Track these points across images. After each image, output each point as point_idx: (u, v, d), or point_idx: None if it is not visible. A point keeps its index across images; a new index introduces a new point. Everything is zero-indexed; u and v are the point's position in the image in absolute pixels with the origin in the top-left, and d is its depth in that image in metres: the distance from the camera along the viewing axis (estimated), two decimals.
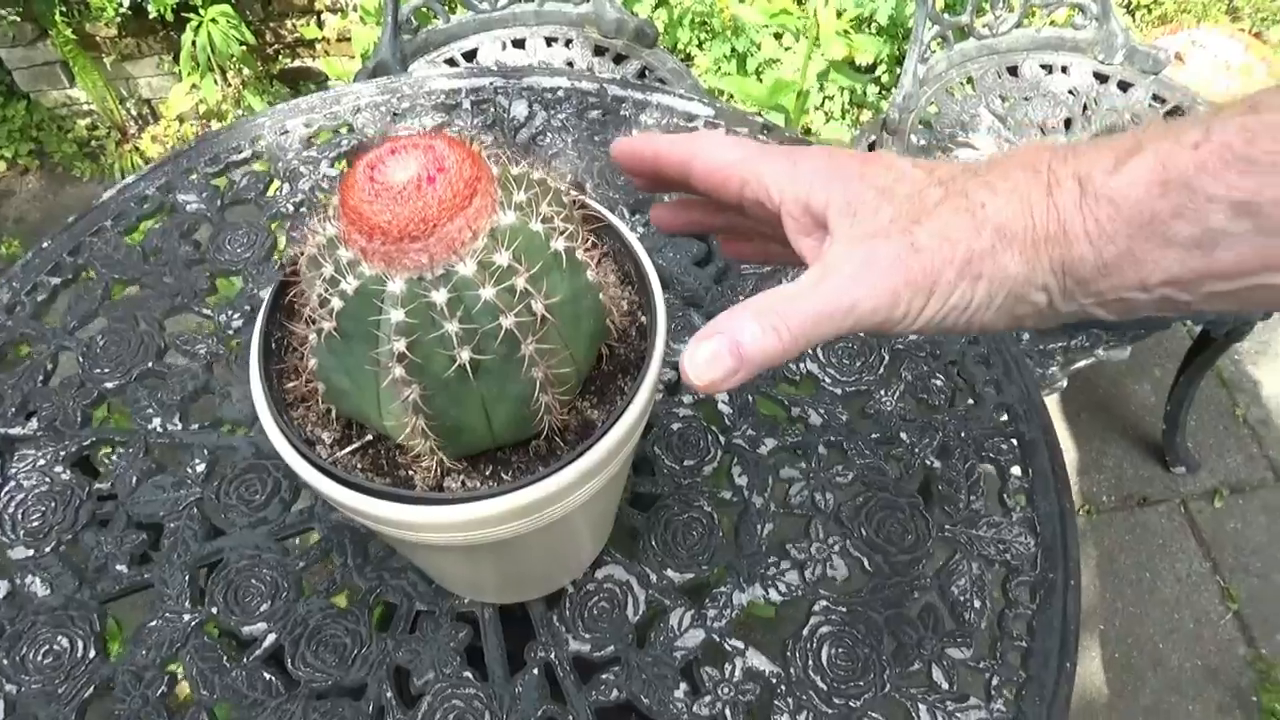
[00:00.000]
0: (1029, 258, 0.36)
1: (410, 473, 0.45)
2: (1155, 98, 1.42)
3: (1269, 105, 0.31)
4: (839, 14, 1.23)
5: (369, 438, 0.46)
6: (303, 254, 0.43)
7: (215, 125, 2.42)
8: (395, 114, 0.90)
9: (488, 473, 0.45)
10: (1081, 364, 1.21)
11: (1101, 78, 1.46)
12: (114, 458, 0.68)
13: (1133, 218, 0.34)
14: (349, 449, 0.45)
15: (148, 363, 0.72)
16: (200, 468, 0.67)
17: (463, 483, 0.45)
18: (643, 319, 0.48)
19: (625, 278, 0.49)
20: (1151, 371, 1.74)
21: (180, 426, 0.69)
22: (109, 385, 0.71)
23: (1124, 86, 1.44)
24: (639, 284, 0.48)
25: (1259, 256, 0.32)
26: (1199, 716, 1.38)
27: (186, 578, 0.62)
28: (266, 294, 0.47)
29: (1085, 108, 1.42)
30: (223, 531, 0.64)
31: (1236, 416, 1.70)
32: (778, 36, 1.84)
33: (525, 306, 0.39)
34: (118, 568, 0.62)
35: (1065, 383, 1.24)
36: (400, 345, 0.38)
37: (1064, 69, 1.47)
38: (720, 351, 0.36)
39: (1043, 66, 1.47)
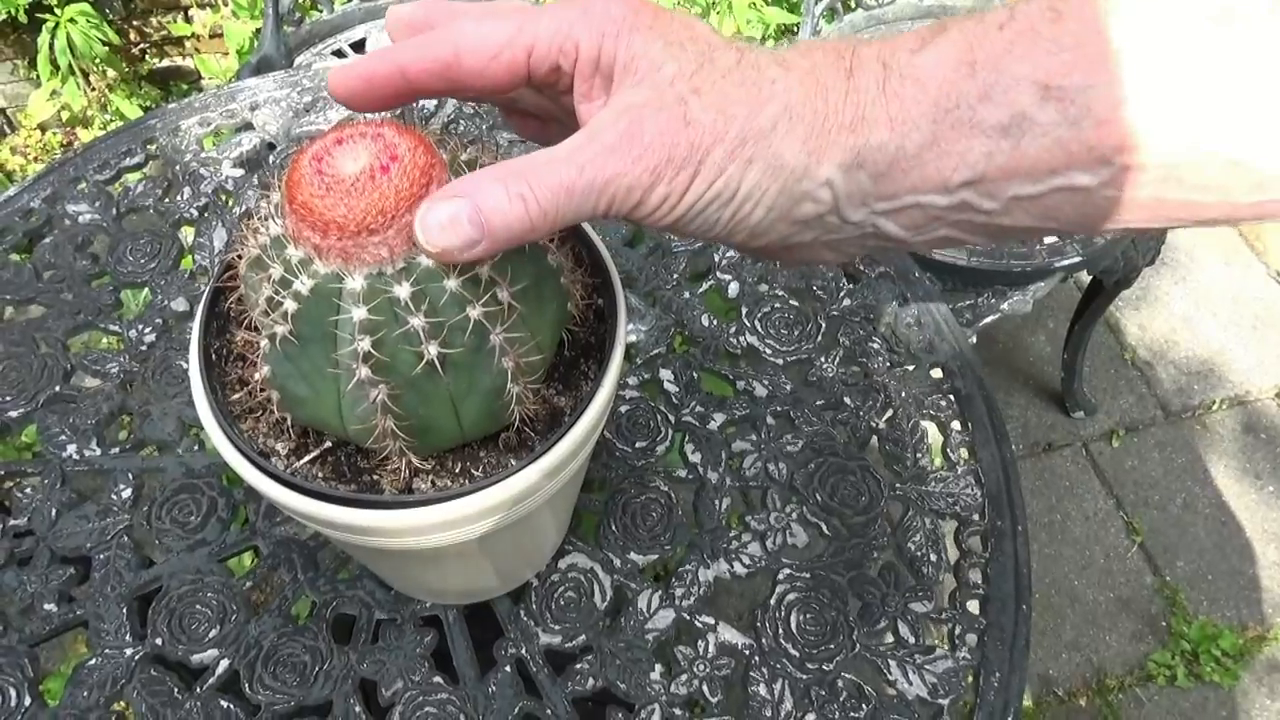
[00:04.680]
0: (813, 147, 0.32)
1: (376, 477, 0.43)
2: None
3: None
4: None
5: (328, 444, 0.44)
6: (241, 257, 0.40)
7: (82, 132, 2.28)
8: (296, 110, 0.86)
9: (457, 470, 0.44)
10: (989, 319, 1.26)
11: None
12: (28, 491, 0.63)
13: (939, 99, 0.31)
14: (307, 458, 0.43)
15: (54, 386, 0.68)
16: (126, 493, 0.63)
17: (432, 482, 0.43)
18: (599, 301, 0.47)
19: (577, 260, 0.48)
20: (1045, 323, 1.83)
21: (99, 451, 0.65)
22: (13, 414, 0.66)
23: None
24: (592, 266, 0.48)
25: (1064, 149, 0.30)
26: (1116, 646, 1.47)
27: (124, 610, 0.58)
28: (201, 303, 0.44)
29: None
30: (159, 558, 0.61)
31: (1125, 360, 1.80)
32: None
33: (491, 295, 0.38)
34: (46, 607, 0.58)
35: (975, 339, 1.28)
36: (365, 344, 0.36)
37: None
38: (459, 216, 0.32)
39: None
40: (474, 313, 0.37)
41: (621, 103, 0.34)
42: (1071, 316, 1.56)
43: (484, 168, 0.34)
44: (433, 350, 0.37)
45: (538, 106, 0.42)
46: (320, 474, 0.43)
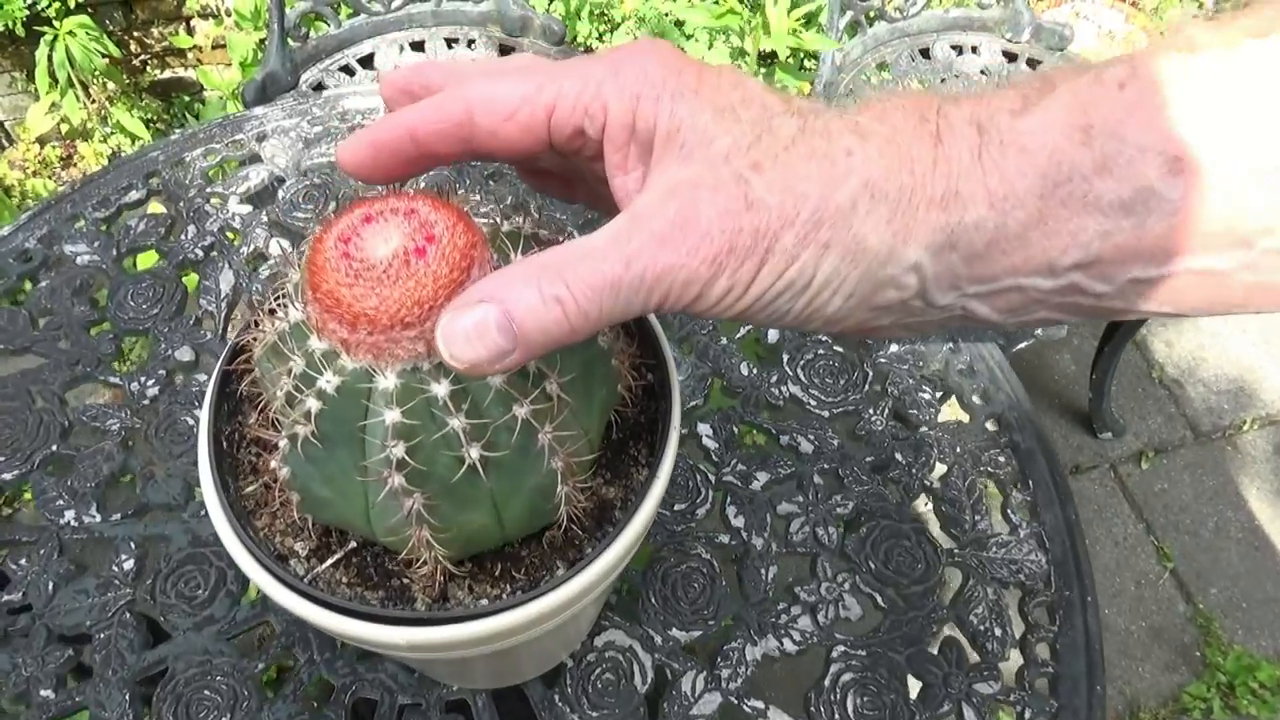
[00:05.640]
0: (899, 227, 0.28)
1: (406, 580, 0.39)
2: None
3: (1205, 43, 0.26)
4: (790, 8, 1.19)
5: (352, 545, 0.39)
6: (255, 340, 0.36)
7: (81, 145, 2.23)
8: (306, 140, 0.82)
9: (497, 572, 0.39)
10: (1022, 345, 1.21)
11: (1011, 56, 1.46)
12: (23, 562, 0.58)
13: (1048, 170, 0.27)
14: (330, 561, 0.39)
15: (51, 445, 0.63)
16: (128, 564, 0.58)
17: (469, 587, 0.39)
18: (649, 377, 0.43)
19: (627, 334, 0.44)
20: (1070, 341, 1.78)
21: (99, 518, 0.60)
22: (6, 476, 0.62)
23: (1033, 64, 1.45)
24: (640, 336, 0.43)
25: (1194, 229, 0.26)
26: (1149, 677, 1.42)
27: (127, 696, 0.54)
28: (209, 387, 0.40)
29: (998, 87, 1.42)
30: (164, 636, 0.56)
31: (1153, 378, 1.75)
32: (714, 39, 1.80)
33: (540, 390, 0.33)
34: (42, 693, 0.54)
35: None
36: (398, 451, 0.32)
37: (974, 49, 1.47)
38: (486, 324, 0.28)
39: (953, 47, 1.47)
40: (521, 411, 0.33)
41: (668, 181, 0.29)
42: (1100, 336, 1.51)
43: (512, 264, 0.30)
44: (475, 453, 0.32)
45: (560, 167, 0.38)
46: (344, 579, 0.39)
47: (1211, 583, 1.51)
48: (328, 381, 0.32)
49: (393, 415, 0.31)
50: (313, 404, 0.32)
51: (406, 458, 0.32)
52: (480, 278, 0.31)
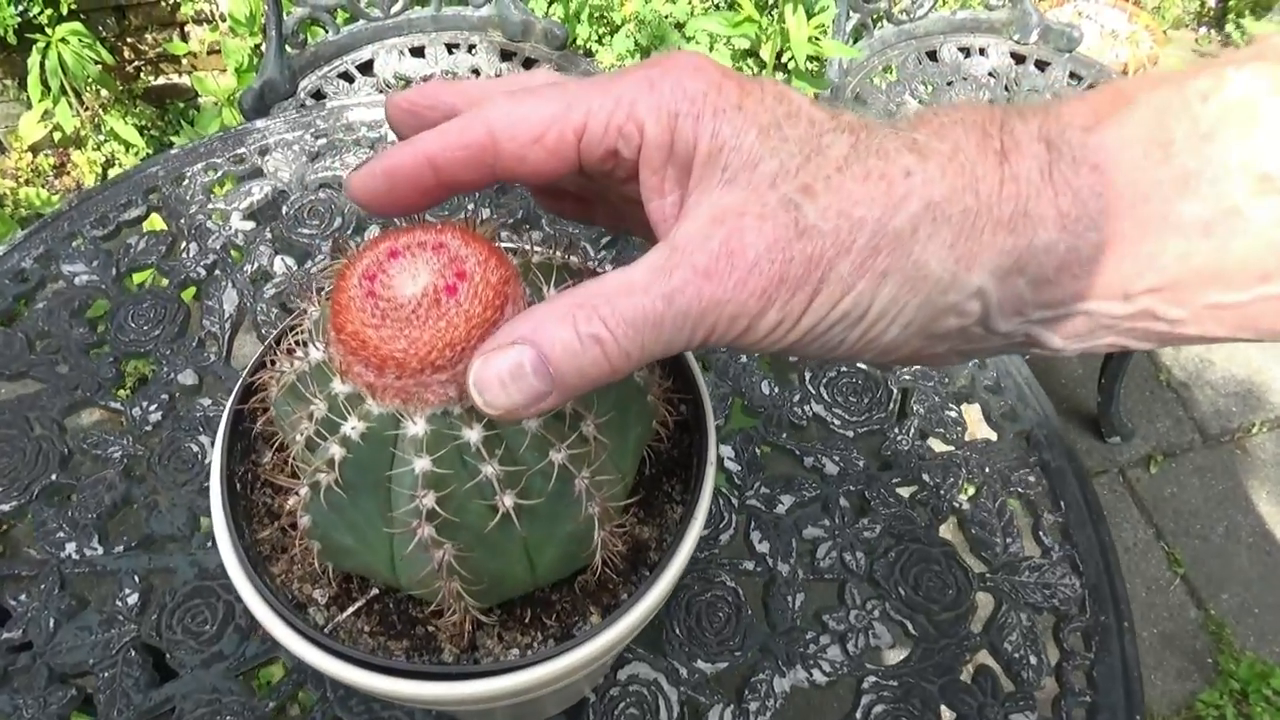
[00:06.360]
0: (963, 252, 0.27)
1: (431, 629, 0.37)
2: (1071, 75, 1.42)
3: None
4: (810, 16, 1.17)
5: (374, 593, 0.37)
6: (272, 380, 0.34)
7: (75, 154, 2.21)
8: (310, 154, 0.80)
9: (526, 619, 0.37)
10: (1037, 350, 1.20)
11: (1019, 58, 1.45)
12: (22, 598, 0.56)
13: (1124, 190, 0.25)
14: (351, 610, 0.37)
15: (50, 475, 0.61)
16: (132, 599, 0.56)
17: (499, 635, 0.37)
18: (682, 410, 0.41)
19: (662, 368, 0.42)
20: None
21: (101, 550, 0.58)
22: (4, 508, 0.60)
23: (1041, 65, 1.44)
24: (672, 367, 0.41)
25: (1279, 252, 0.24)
26: (1161, 685, 1.41)
27: None
28: (221, 426, 0.38)
29: (1007, 89, 1.41)
30: (171, 674, 0.54)
31: (1161, 382, 1.74)
32: (714, 42, 1.78)
33: (578, 435, 0.31)
34: None
35: None
36: (428, 501, 0.30)
37: (981, 51, 1.45)
38: (521, 368, 0.26)
39: (960, 49, 1.45)
40: (558, 456, 0.31)
41: (711, 208, 0.27)
42: None
43: (544, 301, 0.28)
44: (509, 501, 0.31)
45: (582, 188, 0.36)
46: (367, 628, 0.37)
47: (1223, 588, 1.49)
48: (353, 428, 0.30)
49: (423, 464, 0.30)
50: (336, 451, 0.30)
51: (437, 508, 0.30)
52: (514, 315, 0.30)
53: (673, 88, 0.28)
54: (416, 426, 0.30)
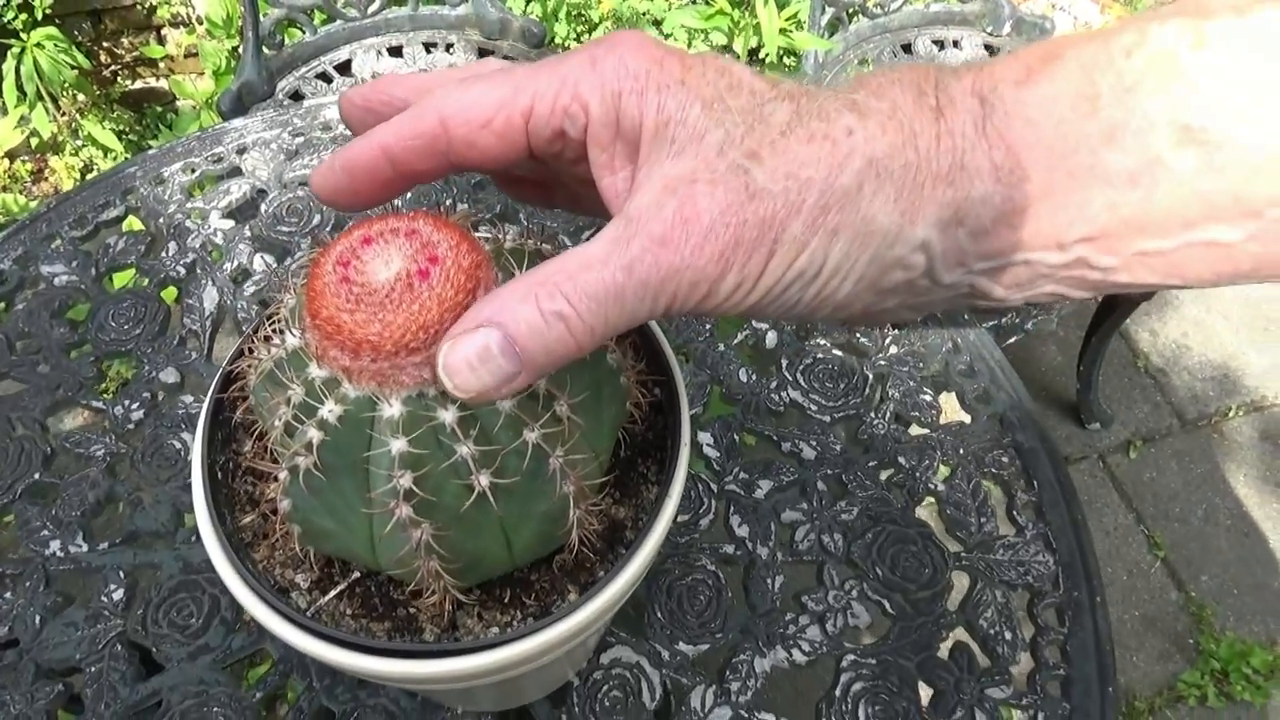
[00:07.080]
0: (906, 205, 0.27)
1: (412, 610, 0.38)
2: None
3: (1216, 7, 0.25)
4: (780, 8, 1.18)
5: (356, 575, 0.38)
6: (250, 368, 0.35)
7: (53, 159, 2.20)
8: (288, 152, 0.80)
9: (506, 599, 0.38)
10: (1013, 340, 1.21)
11: (992, 50, 1.46)
12: (8, 595, 0.57)
13: (1054, 142, 0.26)
14: (333, 593, 0.38)
15: (33, 474, 0.61)
16: (118, 594, 0.57)
17: (479, 615, 0.38)
18: (656, 393, 0.42)
19: (634, 350, 0.43)
20: (1056, 332, 1.79)
21: (86, 547, 0.59)
22: None
23: None
24: (646, 350, 0.42)
25: (1204, 200, 0.25)
26: (1143, 666, 1.42)
27: None
28: (201, 417, 0.39)
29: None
30: (158, 668, 0.55)
31: (1138, 368, 1.76)
32: (692, 38, 1.79)
33: (551, 414, 0.32)
34: None
35: None
36: (405, 481, 0.31)
37: (955, 43, 1.47)
38: (488, 350, 0.27)
39: (935, 42, 1.46)
40: (532, 435, 0.32)
41: (662, 178, 0.28)
42: (1086, 326, 1.51)
43: (507, 283, 0.28)
44: (484, 481, 0.31)
45: (536, 172, 0.36)
46: (349, 610, 0.37)
47: (1202, 570, 1.51)
48: (330, 411, 0.31)
49: (399, 444, 0.30)
50: (314, 434, 0.31)
51: (414, 488, 0.31)
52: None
53: (615, 66, 0.29)
54: (392, 408, 0.30)
